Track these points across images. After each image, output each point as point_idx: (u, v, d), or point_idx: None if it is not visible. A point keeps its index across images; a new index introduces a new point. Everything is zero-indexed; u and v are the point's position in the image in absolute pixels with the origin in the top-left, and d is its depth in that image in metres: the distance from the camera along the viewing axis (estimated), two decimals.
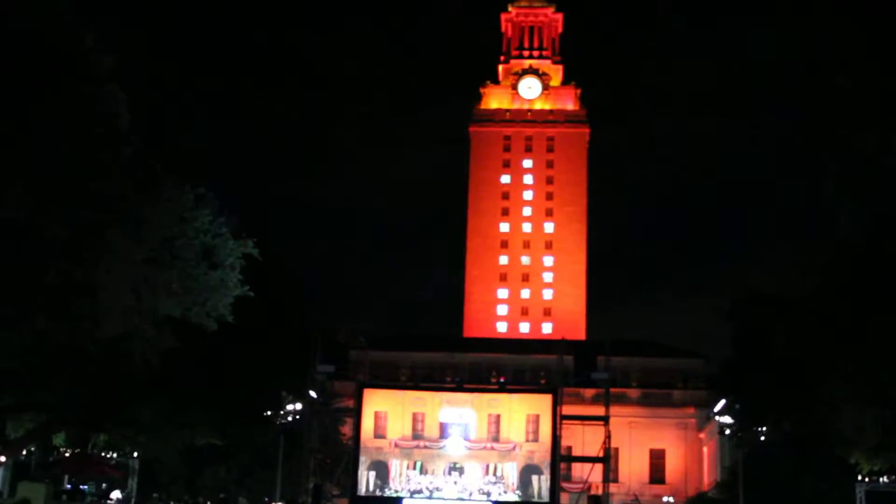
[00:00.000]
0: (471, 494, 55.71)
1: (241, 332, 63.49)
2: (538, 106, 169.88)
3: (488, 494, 55.65)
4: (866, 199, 50.70)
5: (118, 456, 64.89)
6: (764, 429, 71.65)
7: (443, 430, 56.54)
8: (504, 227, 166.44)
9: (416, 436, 56.41)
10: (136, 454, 66.14)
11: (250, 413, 66.56)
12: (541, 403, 56.92)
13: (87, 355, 51.48)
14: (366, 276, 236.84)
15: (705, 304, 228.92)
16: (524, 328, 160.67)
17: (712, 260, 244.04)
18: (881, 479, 61.68)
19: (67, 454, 62.55)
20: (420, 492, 55.69)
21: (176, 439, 67.40)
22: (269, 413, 67.94)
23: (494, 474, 56.22)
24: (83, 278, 46.19)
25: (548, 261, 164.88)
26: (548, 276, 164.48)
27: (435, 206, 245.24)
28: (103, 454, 63.66)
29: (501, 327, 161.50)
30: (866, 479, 61.66)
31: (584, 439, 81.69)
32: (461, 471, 56.35)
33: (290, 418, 65.81)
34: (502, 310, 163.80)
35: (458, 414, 56.73)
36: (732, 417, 71.14)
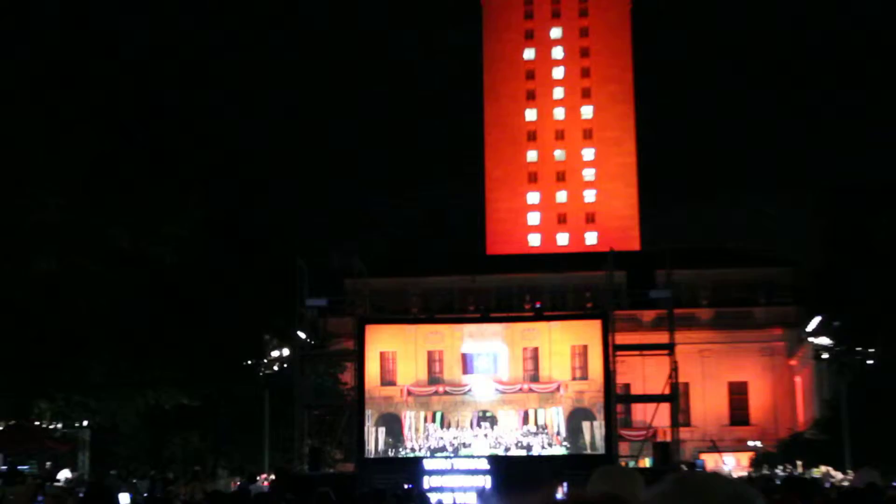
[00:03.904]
0: (507, 449, 55.72)
1: (209, 265, 63.96)
2: None
3: (528, 448, 55.59)
4: None
5: (64, 427, 65.52)
6: (871, 350, 71.88)
7: (467, 372, 56.72)
8: (530, 114, 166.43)
9: (434, 380, 56.30)
10: (86, 423, 66.78)
11: (226, 364, 67.18)
12: (588, 332, 56.94)
13: (16, 303, 51.77)
14: (359, 186, 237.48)
15: (785, 199, 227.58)
16: (562, 240, 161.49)
17: (790, 148, 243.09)
18: None
19: (1, 428, 63.06)
20: (443, 449, 55.61)
21: (135, 402, 68.17)
22: (249, 363, 68.47)
23: (535, 423, 56.43)
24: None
25: (588, 154, 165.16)
26: (589, 174, 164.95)
27: (443, 95, 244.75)
28: (46, 426, 64.22)
29: (534, 240, 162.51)
30: None
31: (644, 374, 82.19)
32: (493, 420, 56.53)
33: (276, 367, 66.38)
34: (534, 218, 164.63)
35: (486, 350, 56.90)
36: (831, 338, 71.45)
